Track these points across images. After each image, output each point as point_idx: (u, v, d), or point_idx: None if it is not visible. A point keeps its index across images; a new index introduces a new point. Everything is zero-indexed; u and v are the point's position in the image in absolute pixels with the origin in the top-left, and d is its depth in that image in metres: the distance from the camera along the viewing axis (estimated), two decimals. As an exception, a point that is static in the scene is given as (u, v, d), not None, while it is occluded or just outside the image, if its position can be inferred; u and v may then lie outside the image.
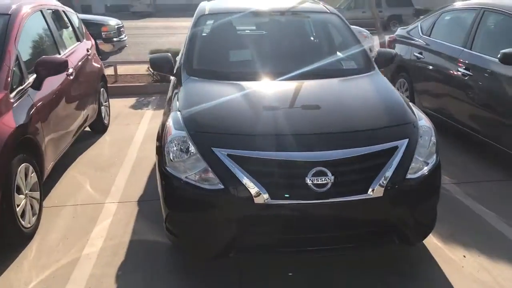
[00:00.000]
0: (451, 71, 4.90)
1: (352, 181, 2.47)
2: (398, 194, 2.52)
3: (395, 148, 2.56)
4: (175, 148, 2.63)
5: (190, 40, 3.61)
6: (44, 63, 3.68)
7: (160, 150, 2.82)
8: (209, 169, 2.48)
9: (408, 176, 2.55)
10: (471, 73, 4.56)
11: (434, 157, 2.72)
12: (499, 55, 3.98)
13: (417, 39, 5.87)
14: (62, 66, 3.77)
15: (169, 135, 2.70)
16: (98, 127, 5.66)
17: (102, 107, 5.72)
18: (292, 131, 2.58)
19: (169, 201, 2.66)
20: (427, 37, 5.67)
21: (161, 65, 3.58)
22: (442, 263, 2.92)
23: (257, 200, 2.40)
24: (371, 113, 2.80)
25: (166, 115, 3.06)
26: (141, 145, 5.32)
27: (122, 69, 9.29)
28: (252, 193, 2.40)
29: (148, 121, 6.33)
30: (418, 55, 5.63)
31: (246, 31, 4.05)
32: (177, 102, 3.01)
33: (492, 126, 4.33)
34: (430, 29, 5.67)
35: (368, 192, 2.45)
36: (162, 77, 8.35)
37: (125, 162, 4.79)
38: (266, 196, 2.39)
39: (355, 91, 3.03)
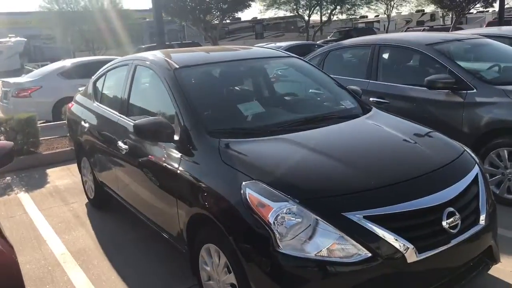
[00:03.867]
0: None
1: (469, 214, 2.47)
2: (493, 217, 2.63)
3: (477, 175, 2.67)
4: (287, 223, 2.17)
5: (182, 97, 3.04)
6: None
7: (244, 233, 2.30)
8: (346, 237, 2.13)
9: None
10: (387, 101, 5.09)
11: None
12: (424, 82, 4.56)
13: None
14: (11, 154, 2.71)
15: (270, 211, 2.21)
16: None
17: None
18: (407, 176, 2.43)
19: (296, 288, 2.16)
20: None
21: (158, 130, 2.92)
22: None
23: (410, 259, 2.17)
24: (434, 148, 2.83)
25: (201, 193, 2.60)
26: (60, 236, 4.18)
27: None
28: (404, 252, 2.16)
29: (35, 207, 5.02)
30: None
31: (232, 81, 3.65)
32: (233, 171, 2.49)
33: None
34: (321, 66, 6.13)
35: (480, 222, 2.50)
36: None
37: (64, 264, 3.67)
38: (415, 251, 2.18)
39: (396, 129, 3.02)
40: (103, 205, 4.74)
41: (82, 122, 4.56)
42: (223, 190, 2.49)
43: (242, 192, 2.35)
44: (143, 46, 23.29)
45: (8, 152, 2.68)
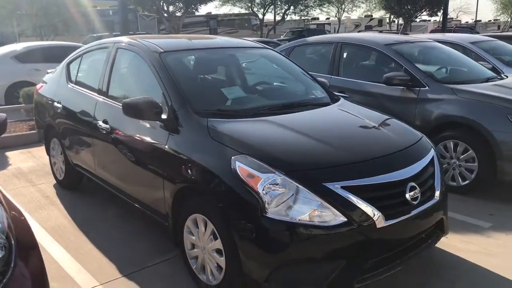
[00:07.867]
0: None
1: (426, 190, 2.84)
2: (445, 195, 3.04)
3: (433, 158, 3.06)
4: (274, 192, 2.44)
5: (170, 79, 3.23)
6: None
7: (233, 201, 2.56)
8: (326, 205, 2.43)
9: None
10: (347, 95, 5.48)
11: None
12: (383, 78, 4.99)
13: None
14: (4, 125, 2.80)
15: (258, 181, 2.47)
16: None
17: None
18: (377, 154, 2.77)
19: (281, 250, 2.43)
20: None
21: (145, 109, 3.09)
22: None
23: (379, 225, 2.51)
24: (397, 132, 3.19)
25: (188, 167, 2.81)
26: (32, 214, 4.22)
27: None
28: (374, 219, 2.49)
29: None
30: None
31: (214, 67, 3.86)
32: (222, 147, 2.73)
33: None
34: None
35: (435, 196, 2.89)
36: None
37: (41, 241, 3.72)
38: (383, 219, 2.52)
39: (364, 116, 3.35)
40: (73, 186, 4.80)
41: (55, 103, 4.59)
42: (212, 164, 2.72)
43: (232, 165, 2.59)
44: (95, 35, 22.70)
45: (2, 123, 2.78)
